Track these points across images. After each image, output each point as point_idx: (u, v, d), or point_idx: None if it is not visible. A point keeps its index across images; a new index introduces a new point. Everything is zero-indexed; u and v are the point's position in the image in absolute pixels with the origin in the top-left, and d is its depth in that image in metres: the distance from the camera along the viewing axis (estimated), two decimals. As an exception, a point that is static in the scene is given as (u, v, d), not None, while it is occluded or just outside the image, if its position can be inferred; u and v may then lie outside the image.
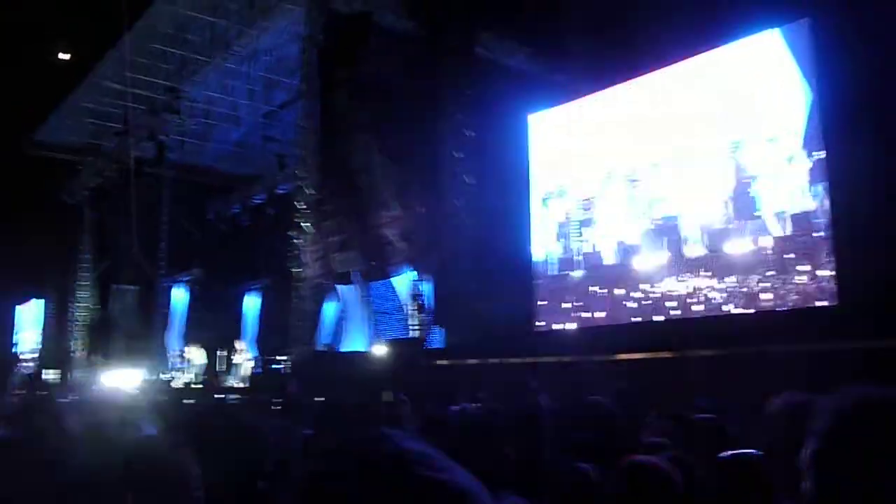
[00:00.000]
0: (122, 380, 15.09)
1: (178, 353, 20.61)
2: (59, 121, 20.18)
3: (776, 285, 9.35)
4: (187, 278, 22.47)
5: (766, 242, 9.54)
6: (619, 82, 11.84)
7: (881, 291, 7.82)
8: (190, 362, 18.43)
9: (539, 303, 12.70)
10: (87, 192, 22.99)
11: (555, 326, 12.26)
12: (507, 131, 13.53)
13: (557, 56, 13.47)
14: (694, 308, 10.26)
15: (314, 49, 15.94)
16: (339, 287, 17.75)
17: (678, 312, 10.40)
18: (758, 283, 9.54)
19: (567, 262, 12.39)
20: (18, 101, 18.43)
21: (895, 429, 1.10)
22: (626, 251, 11.34)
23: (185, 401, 8.42)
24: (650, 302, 10.81)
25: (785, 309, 9.20)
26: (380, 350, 13.88)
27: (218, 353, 18.84)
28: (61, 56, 18.21)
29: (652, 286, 10.83)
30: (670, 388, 6.86)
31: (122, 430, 2.84)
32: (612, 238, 11.62)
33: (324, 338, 17.74)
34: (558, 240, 12.63)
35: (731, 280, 9.85)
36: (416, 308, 14.62)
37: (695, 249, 10.37)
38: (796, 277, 9.19)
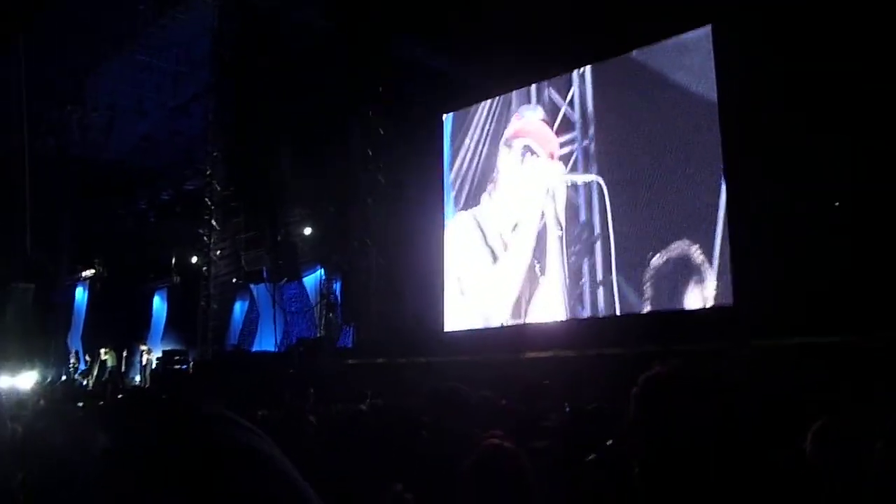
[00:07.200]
0: (18, 382, 14.43)
1: (75, 353, 19.87)
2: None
3: (675, 287, 9.60)
4: (90, 276, 21.66)
5: (666, 244, 9.77)
6: (530, 83, 11.96)
7: (776, 292, 8.14)
8: (104, 364, 17.77)
9: (448, 302, 12.68)
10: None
11: (463, 326, 12.27)
12: (421, 130, 13.49)
13: (471, 56, 13.51)
14: (599, 308, 10.45)
15: (225, 43, 15.61)
16: (251, 286, 17.44)
17: (583, 312, 10.58)
18: (657, 284, 9.78)
19: (476, 262, 12.40)
20: None
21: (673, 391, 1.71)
22: (533, 253, 11.42)
23: (79, 403, 8.08)
24: (556, 302, 10.96)
25: (683, 309, 9.46)
26: (289, 349, 13.68)
27: (123, 353, 18.25)
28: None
29: (558, 287, 10.97)
30: (573, 385, 6.95)
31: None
32: (520, 239, 11.68)
33: (233, 337, 17.40)
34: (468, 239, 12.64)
35: (634, 281, 10.06)
36: (325, 307, 14.48)
37: (599, 252, 10.54)
38: (694, 279, 9.45)
